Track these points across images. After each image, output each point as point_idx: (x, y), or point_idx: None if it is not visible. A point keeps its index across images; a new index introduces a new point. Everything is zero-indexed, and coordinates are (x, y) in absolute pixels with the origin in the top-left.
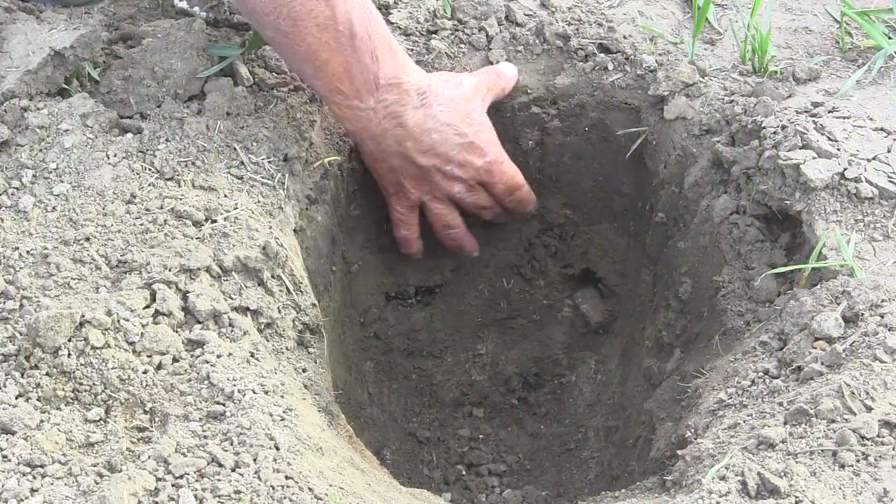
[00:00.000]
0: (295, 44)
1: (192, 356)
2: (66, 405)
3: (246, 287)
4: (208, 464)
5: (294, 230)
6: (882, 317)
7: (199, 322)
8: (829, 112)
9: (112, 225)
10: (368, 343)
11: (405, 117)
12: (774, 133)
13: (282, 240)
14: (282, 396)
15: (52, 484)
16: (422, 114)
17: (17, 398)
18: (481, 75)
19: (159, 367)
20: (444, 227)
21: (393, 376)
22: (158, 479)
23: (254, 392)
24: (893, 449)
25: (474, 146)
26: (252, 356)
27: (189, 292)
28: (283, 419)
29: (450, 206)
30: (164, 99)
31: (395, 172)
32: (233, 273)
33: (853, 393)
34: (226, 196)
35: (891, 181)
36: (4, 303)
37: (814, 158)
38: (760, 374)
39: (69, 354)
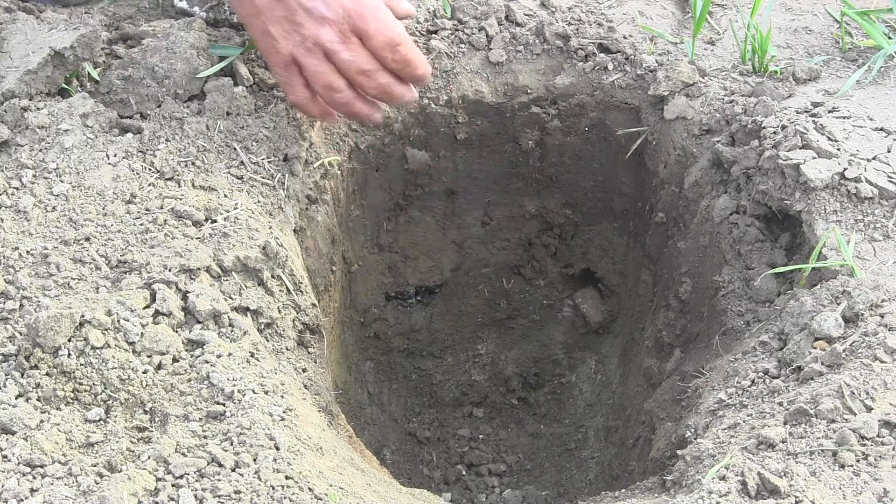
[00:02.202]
0: None
1: (192, 356)
2: (66, 405)
3: (246, 287)
4: (208, 464)
5: (294, 230)
6: (882, 317)
7: (199, 322)
8: (829, 112)
9: (112, 225)
10: (368, 343)
11: None
12: (774, 133)
13: (282, 240)
14: (282, 396)
15: (52, 484)
16: None
17: (17, 398)
18: None
19: (159, 367)
20: (326, 89)
21: (393, 376)
22: (158, 479)
23: (254, 392)
24: (893, 449)
25: None
26: (252, 356)
27: (189, 292)
28: (283, 419)
29: (326, 62)
30: (164, 99)
31: (260, 14)
32: (233, 273)
33: (853, 393)
34: (226, 196)
35: (891, 181)
36: (4, 303)
37: (814, 158)
38: (760, 374)
39: (69, 354)
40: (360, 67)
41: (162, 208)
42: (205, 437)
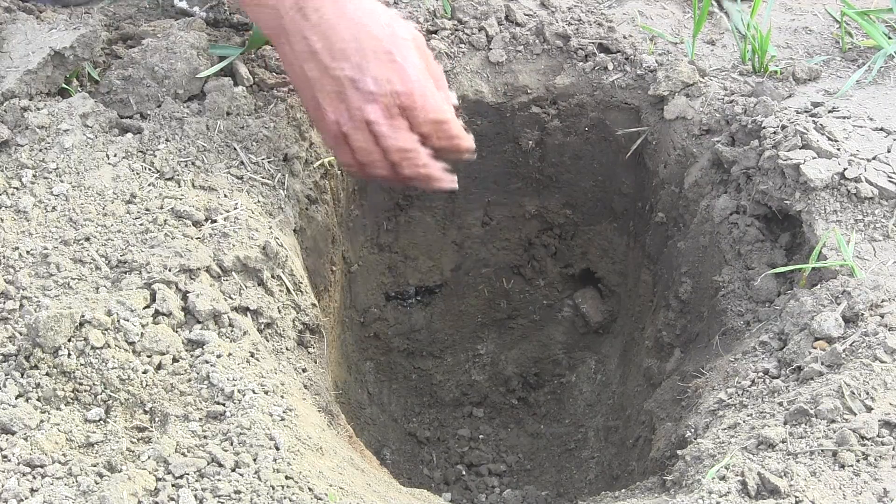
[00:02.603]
0: None
1: (191, 356)
2: (65, 405)
3: (246, 287)
4: (208, 464)
5: (294, 230)
6: (882, 317)
7: (199, 322)
8: (829, 112)
9: (112, 225)
10: (368, 343)
11: (313, 10)
12: (774, 133)
13: (282, 240)
14: (282, 396)
15: (51, 484)
16: (333, 9)
17: (16, 398)
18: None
19: (159, 367)
20: (369, 161)
21: (393, 376)
22: (158, 479)
23: (254, 392)
24: (893, 449)
25: (395, 61)
26: (252, 356)
27: (189, 292)
28: (283, 419)
29: (370, 138)
30: (164, 99)
31: (310, 85)
32: (233, 273)
33: (853, 393)
34: (226, 196)
35: (891, 181)
36: (4, 303)
37: (814, 158)
38: (760, 374)
39: (69, 354)
40: (402, 147)
41: (162, 208)
42: (205, 437)
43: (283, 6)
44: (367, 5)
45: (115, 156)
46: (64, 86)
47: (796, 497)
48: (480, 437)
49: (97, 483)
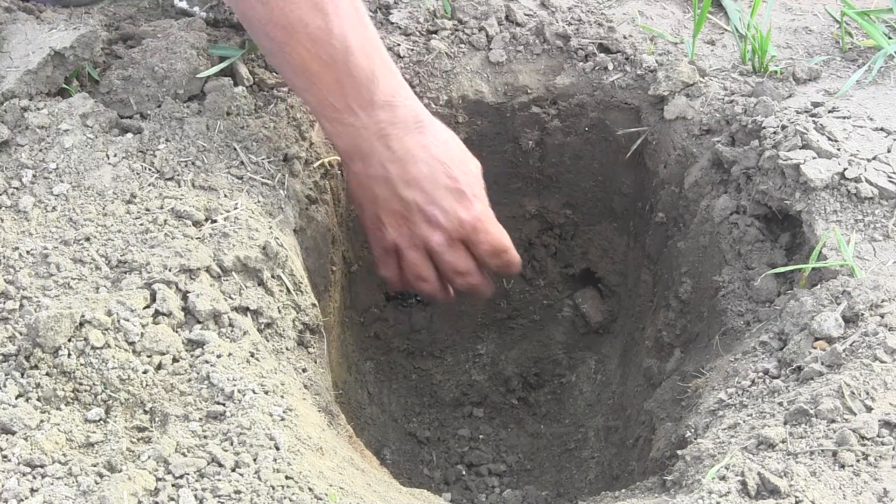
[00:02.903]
0: (287, 55)
1: (192, 356)
2: (66, 405)
3: (246, 287)
4: (208, 464)
5: (294, 230)
6: (882, 317)
7: (199, 322)
8: (829, 112)
9: (112, 225)
10: (368, 343)
11: (395, 139)
12: (774, 133)
13: (282, 240)
14: (282, 396)
15: (52, 484)
16: (414, 140)
17: (17, 398)
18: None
19: (159, 367)
20: (416, 279)
21: (393, 376)
22: (158, 479)
23: (254, 392)
24: (893, 449)
25: (464, 195)
26: (252, 356)
27: (189, 292)
28: (283, 419)
29: (425, 258)
30: (164, 99)
31: (376, 203)
32: (233, 273)
33: (853, 393)
34: (226, 196)
35: (891, 181)
36: (4, 303)
37: (814, 158)
38: (760, 374)
39: (69, 354)
40: (458, 268)
41: (162, 208)
42: (205, 437)
43: (367, 131)
44: (443, 136)
45: (115, 156)
46: (64, 86)
47: (796, 497)
48: (480, 437)
49: (97, 483)
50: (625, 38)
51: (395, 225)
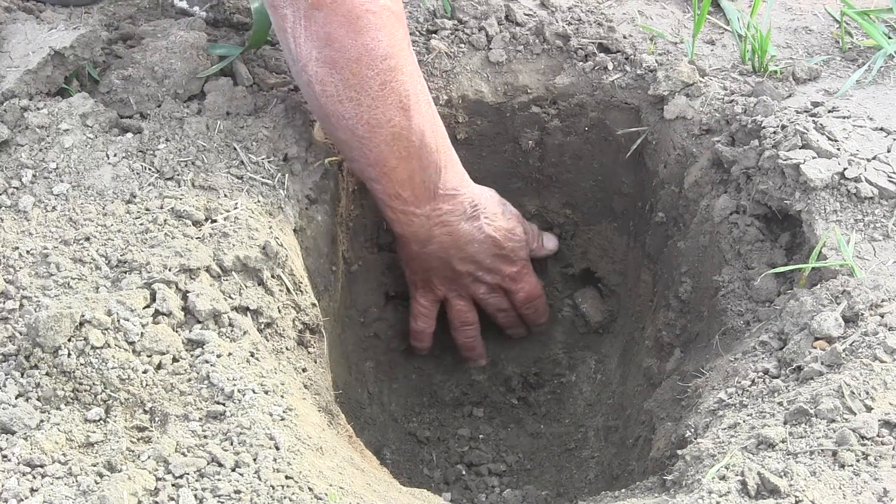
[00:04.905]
0: (367, 149)
1: (191, 356)
2: (65, 405)
3: (246, 287)
4: (208, 463)
5: (294, 230)
6: (882, 316)
7: (199, 322)
8: (829, 112)
9: (112, 224)
10: (368, 343)
11: (456, 227)
12: (774, 133)
13: (282, 239)
14: (282, 396)
15: (51, 484)
16: (470, 225)
17: (16, 398)
18: (528, 226)
19: (159, 366)
20: (461, 324)
21: (393, 376)
22: (158, 479)
23: (254, 392)
24: (893, 449)
25: (508, 258)
26: (252, 356)
27: (189, 292)
28: (283, 419)
29: (470, 304)
30: (163, 99)
31: (429, 272)
32: (233, 273)
33: (853, 393)
34: (226, 196)
35: (891, 181)
36: (4, 302)
37: (814, 158)
38: (760, 373)
39: (69, 354)
40: (500, 307)
41: (162, 208)
42: (205, 436)
43: (429, 220)
44: (494, 210)
45: (115, 155)
46: (64, 85)
47: (796, 497)
48: (480, 436)
49: (97, 483)
50: (625, 37)
51: (444, 282)
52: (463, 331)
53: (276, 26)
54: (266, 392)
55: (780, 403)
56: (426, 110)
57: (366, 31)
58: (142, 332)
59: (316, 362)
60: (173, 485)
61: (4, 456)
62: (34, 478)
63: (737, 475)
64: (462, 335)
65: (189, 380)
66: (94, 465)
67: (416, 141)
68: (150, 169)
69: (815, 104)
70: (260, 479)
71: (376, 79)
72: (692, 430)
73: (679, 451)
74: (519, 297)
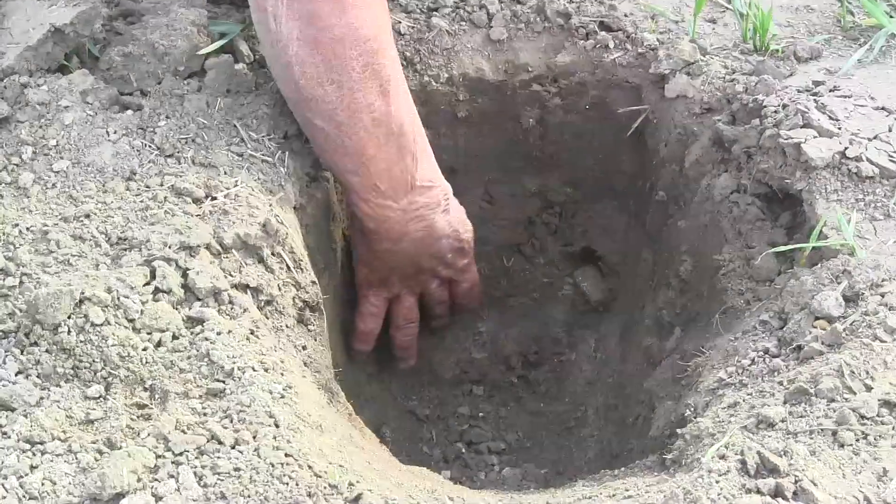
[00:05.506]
0: (346, 136)
1: (191, 333)
2: (65, 382)
3: (246, 264)
4: (208, 441)
5: (294, 207)
6: (882, 296)
7: (199, 299)
8: (831, 91)
9: (112, 202)
10: None
11: (431, 222)
12: (775, 112)
13: (282, 217)
14: (282, 374)
15: (51, 461)
16: (444, 219)
17: (16, 375)
18: None
19: (159, 344)
20: (406, 322)
21: (392, 354)
22: (158, 457)
23: (253, 369)
24: (893, 428)
25: (463, 249)
26: (252, 333)
27: (189, 269)
28: (282, 397)
29: (416, 301)
30: (164, 76)
31: (391, 271)
32: (233, 250)
33: (853, 372)
34: (226, 173)
35: (892, 160)
36: (4, 279)
37: (815, 137)
38: (760, 353)
39: (69, 331)
40: (441, 300)
41: (162, 185)
42: (204, 414)
43: (404, 214)
44: (456, 203)
45: (115, 132)
46: (64, 62)
47: (796, 476)
48: (480, 415)
49: (97, 460)
50: (626, 16)
51: (404, 281)
52: (406, 329)
53: (254, 6)
54: (266, 370)
55: (780, 383)
56: (404, 98)
57: (351, 9)
58: (142, 310)
59: (316, 340)
60: (173, 462)
61: (4, 433)
62: (34, 455)
63: (736, 454)
64: (403, 333)
65: (189, 357)
66: (94, 443)
67: (396, 128)
68: (150, 146)
69: (817, 83)
70: (259, 457)
71: (359, 60)
72: (692, 409)
73: (679, 430)
74: (464, 287)
